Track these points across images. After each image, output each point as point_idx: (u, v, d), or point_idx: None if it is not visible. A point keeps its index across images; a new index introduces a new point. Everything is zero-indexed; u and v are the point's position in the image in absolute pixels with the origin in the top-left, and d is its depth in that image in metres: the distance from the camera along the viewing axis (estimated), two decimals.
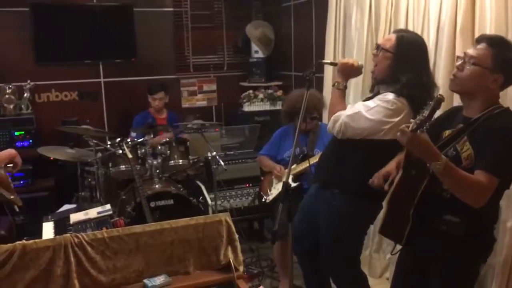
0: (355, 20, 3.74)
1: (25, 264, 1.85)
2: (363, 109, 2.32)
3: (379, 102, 2.30)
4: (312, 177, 3.22)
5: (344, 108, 2.42)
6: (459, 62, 1.98)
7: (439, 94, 1.77)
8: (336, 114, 2.39)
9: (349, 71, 2.46)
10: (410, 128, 1.77)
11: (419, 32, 3.16)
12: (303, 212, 2.75)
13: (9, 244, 1.85)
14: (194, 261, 2.09)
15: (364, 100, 2.48)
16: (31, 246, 1.86)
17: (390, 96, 2.29)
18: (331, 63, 2.68)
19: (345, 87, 2.47)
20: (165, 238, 2.04)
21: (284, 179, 2.50)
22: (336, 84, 2.46)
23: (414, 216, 1.98)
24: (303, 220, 2.72)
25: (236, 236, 2.16)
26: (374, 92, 2.50)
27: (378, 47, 2.39)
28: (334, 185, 2.52)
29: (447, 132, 2.04)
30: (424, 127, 1.76)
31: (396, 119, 2.26)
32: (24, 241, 1.89)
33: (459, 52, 2.81)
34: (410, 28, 3.26)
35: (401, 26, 3.33)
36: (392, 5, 3.42)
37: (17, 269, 1.83)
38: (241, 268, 2.13)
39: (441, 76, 2.94)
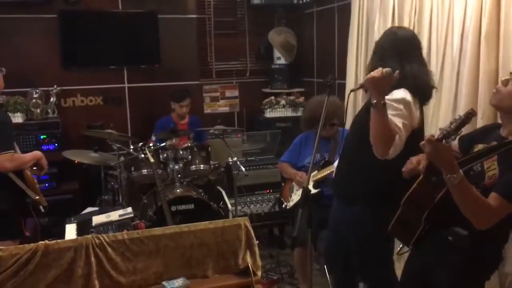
0: (378, 26, 3.71)
1: (48, 264, 1.89)
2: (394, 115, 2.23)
3: (394, 103, 2.21)
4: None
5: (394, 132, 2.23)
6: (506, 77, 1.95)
7: (471, 109, 1.75)
8: (396, 140, 2.18)
9: (380, 84, 2.18)
10: (435, 138, 1.76)
11: (443, 39, 3.15)
12: (330, 222, 2.75)
13: (32, 244, 1.89)
14: (212, 264, 2.10)
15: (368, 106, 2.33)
16: (54, 246, 1.90)
17: (397, 95, 2.23)
18: (360, 87, 2.37)
19: (384, 104, 2.16)
20: (184, 241, 2.06)
21: (304, 185, 2.51)
22: (374, 104, 2.13)
23: (425, 221, 1.96)
24: (330, 228, 2.75)
25: (255, 240, 2.17)
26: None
27: None
28: (354, 196, 2.48)
29: (479, 146, 2.02)
30: (450, 139, 1.74)
31: (412, 112, 2.25)
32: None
33: (483, 59, 2.81)
34: (434, 34, 3.24)
35: (425, 32, 3.30)
36: (415, 11, 3.38)
37: (40, 268, 1.87)
38: (259, 273, 2.13)
39: (465, 84, 2.89)
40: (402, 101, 2.22)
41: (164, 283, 2.00)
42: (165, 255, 2.04)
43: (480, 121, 2.75)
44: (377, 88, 2.15)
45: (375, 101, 2.11)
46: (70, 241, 1.96)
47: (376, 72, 2.16)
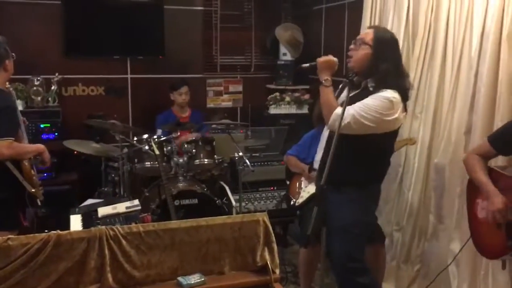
0: (391, 26, 3.63)
1: (59, 255, 1.80)
2: (371, 105, 2.45)
3: (381, 99, 2.45)
4: None
5: (337, 105, 2.54)
6: None
7: None
8: (336, 112, 2.49)
9: (332, 66, 2.59)
10: None
11: (460, 39, 3.10)
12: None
13: (44, 234, 1.80)
14: (229, 261, 2.03)
15: (352, 96, 2.50)
16: (66, 236, 1.81)
17: (388, 93, 2.46)
18: (310, 65, 2.68)
19: (332, 84, 2.59)
20: (201, 235, 1.98)
21: (321, 182, 2.45)
22: (325, 81, 2.57)
23: None
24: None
25: (273, 237, 2.09)
26: (362, 86, 2.61)
27: (356, 41, 2.65)
28: (339, 183, 2.55)
29: None
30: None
31: (397, 114, 2.48)
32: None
33: (504, 59, 2.76)
34: (451, 34, 3.19)
35: (441, 32, 3.24)
36: (432, 10, 3.32)
37: (51, 259, 1.78)
38: (278, 271, 2.06)
39: (484, 84, 2.83)
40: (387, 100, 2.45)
41: (179, 278, 1.92)
42: (181, 250, 1.96)
43: (499, 123, 2.70)
44: (329, 69, 2.57)
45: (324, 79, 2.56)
46: (83, 232, 1.87)
47: (330, 57, 2.60)
